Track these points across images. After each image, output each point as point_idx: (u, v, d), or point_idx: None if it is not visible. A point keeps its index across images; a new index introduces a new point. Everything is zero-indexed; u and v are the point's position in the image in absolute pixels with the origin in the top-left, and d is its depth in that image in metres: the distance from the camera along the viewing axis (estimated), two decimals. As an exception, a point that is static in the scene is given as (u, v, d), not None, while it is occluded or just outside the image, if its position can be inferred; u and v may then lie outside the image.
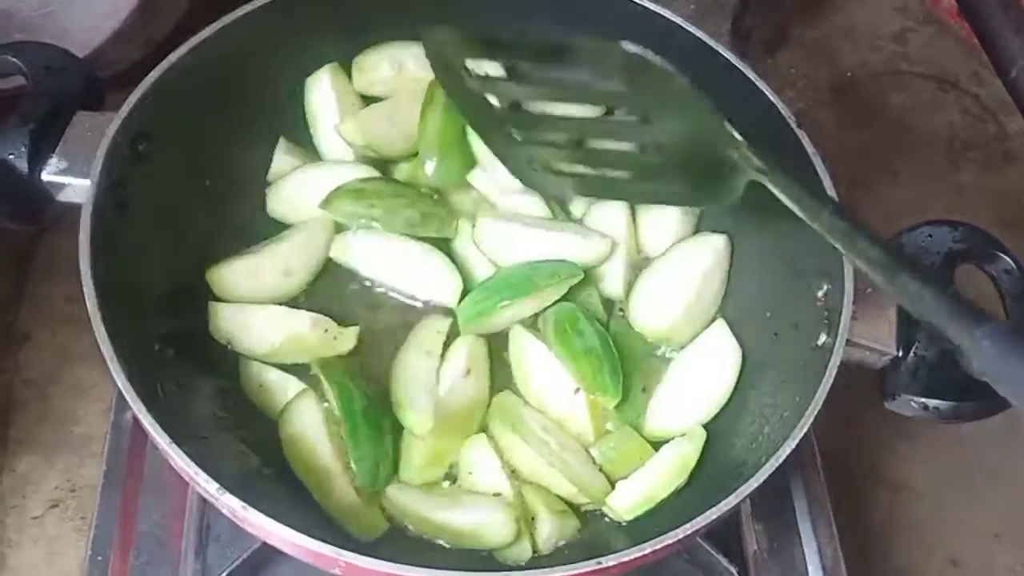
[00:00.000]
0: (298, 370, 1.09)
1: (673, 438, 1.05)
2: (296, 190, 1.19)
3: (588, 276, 1.17)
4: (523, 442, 1.01)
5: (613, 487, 1.02)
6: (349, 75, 1.26)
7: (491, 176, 1.19)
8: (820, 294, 1.01)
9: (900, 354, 0.96)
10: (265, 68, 1.18)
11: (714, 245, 1.17)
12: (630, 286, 1.18)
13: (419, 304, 1.15)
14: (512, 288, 1.08)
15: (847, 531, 1.22)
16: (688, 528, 0.82)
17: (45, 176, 1.02)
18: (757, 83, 1.10)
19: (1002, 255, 1.01)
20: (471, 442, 1.04)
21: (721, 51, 1.14)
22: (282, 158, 1.22)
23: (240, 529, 0.88)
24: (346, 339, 1.11)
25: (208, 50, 1.09)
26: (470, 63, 1.01)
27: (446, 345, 1.10)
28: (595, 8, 1.21)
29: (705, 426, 1.06)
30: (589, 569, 0.80)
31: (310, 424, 1.02)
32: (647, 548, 0.81)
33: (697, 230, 1.23)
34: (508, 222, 1.17)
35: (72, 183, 1.02)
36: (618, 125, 1.09)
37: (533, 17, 1.25)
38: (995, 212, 1.78)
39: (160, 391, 0.97)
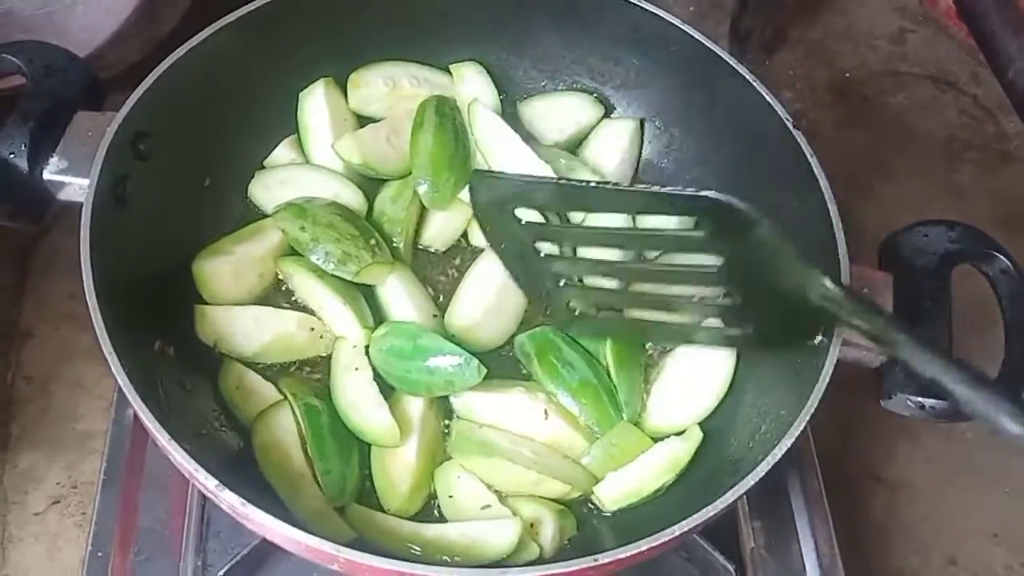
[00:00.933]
0: (278, 377, 1.09)
1: (672, 434, 1.06)
2: (278, 183, 1.20)
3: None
4: (501, 462, 1.00)
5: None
6: (343, 91, 1.27)
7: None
8: (817, 293, 1.01)
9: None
10: (264, 71, 1.19)
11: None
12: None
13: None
14: (409, 384, 1.05)
15: (845, 530, 1.22)
16: (683, 526, 0.83)
17: (46, 175, 1.03)
18: (755, 84, 1.11)
19: (998, 255, 1.01)
20: (443, 469, 1.04)
21: (719, 52, 1.14)
22: (283, 150, 1.24)
23: (240, 525, 0.89)
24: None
25: (207, 52, 1.10)
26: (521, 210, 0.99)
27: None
28: (594, 9, 1.22)
29: (702, 424, 1.06)
30: (585, 566, 0.80)
31: (286, 431, 1.03)
32: (643, 545, 0.81)
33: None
34: (503, 123, 1.19)
35: (73, 182, 1.02)
36: (687, 272, 1.03)
37: (533, 17, 1.27)
38: (993, 212, 1.78)
39: (160, 388, 0.98)
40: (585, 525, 1.03)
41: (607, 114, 1.31)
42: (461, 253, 1.24)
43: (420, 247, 1.23)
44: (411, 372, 1.04)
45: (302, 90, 1.24)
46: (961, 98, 1.97)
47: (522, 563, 0.95)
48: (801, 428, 0.88)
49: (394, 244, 1.18)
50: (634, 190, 0.94)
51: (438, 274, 1.22)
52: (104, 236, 0.96)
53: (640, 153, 1.30)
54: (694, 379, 1.09)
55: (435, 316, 1.14)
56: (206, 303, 1.11)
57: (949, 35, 2.03)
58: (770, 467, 0.86)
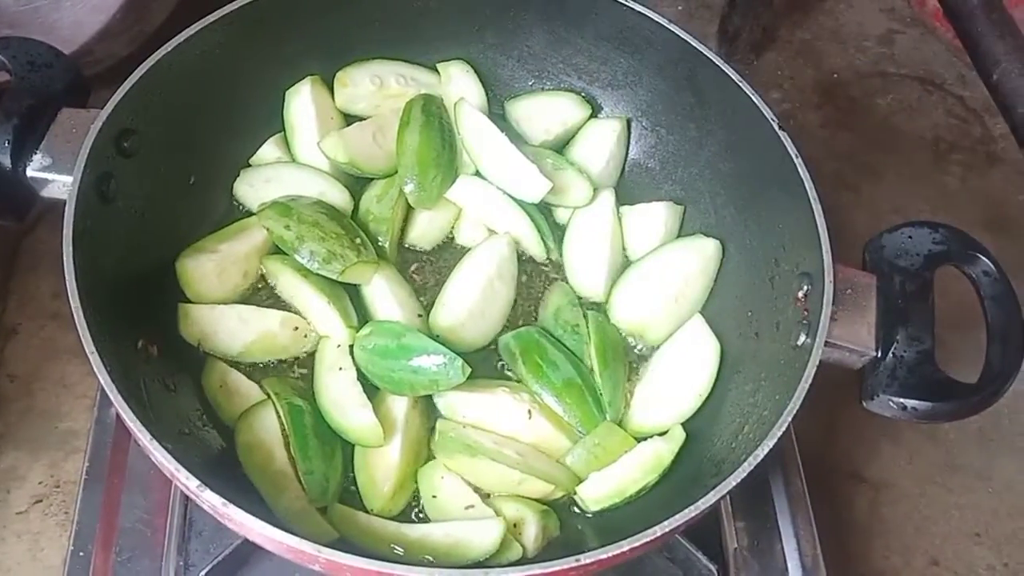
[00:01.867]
0: (262, 377, 1.09)
1: (655, 434, 1.06)
2: (263, 181, 1.20)
3: (567, 276, 1.20)
4: (484, 462, 1.00)
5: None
6: (330, 89, 1.27)
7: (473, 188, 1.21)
8: (800, 295, 1.01)
9: (879, 355, 0.97)
10: (250, 69, 1.18)
11: (702, 248, 1.18)
12: (612, 286, 1.19)
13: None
14: (393, 384, 1.05)
15: (829, 530, 1.23)
16: (665, 526, 0.82)
17: (29, 172, 1.02)
18: (741, 84, 1.11)
19: (981, 257, 1.01)
20: (427, 469, 1.04)
21: (705, 52, 1.14)
22: (269, 148, 1.24)
23: (223, 525, 0.88)
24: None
25: (193, 49, 1.09)
26: None
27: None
28: (582, 8, 1.22)
29: (685, 424, 1.06)
30: (568, 566, 0.80)
31: (270, 431, 1.02)
32: (625, 546, 0.81)
33: (682, 231, 1.24)
34: (490, 123, 1.19)
35: (56, 179, 1.02)
36: None
37: (521, 16, 1.27)
38: (980, 213, 1.79)
39: (143, 387, 0.98)
40: (568, 526, 1.03)
41: (594, 114, 1.31)
42: (447, 252, 1.24)
43: (406, 246, 1.23)
44: (395, 371, 1.04)
45: (288, 88, 1.24)
46: (948, 99, 1.98)
47: (505, 563, 0.95)
48: (783, 429, 0.88)
49: (380, 243, 1.18)
50: None
51: (424, 273, 1.21)
52: (87, 234, 0.95)
53: (627, 153, 1.30)
54: (677, 379, 1.10)
55: (420, 316, 1.14)
56: (190, 302, 1.10)
57: (937, 37, 2.04)
58: (752, 467, 0.86)
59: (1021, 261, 1.65)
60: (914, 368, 0.96)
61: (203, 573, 1.05)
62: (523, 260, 1.22)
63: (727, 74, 1.12)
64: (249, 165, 1.23)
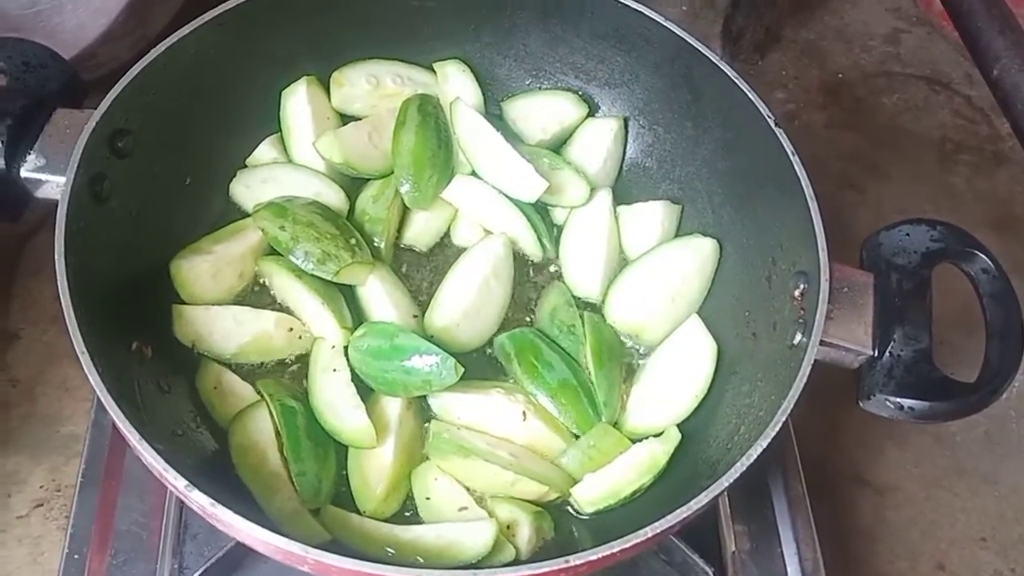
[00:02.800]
0: (256, 378, 1.09)
1: (651, 435, 1.05)
2: (259, 181, 1.20)
3: (563, 276, 1.20)
4: (478, 463, 0.99)
5: None
6: (326, 90, 1.27)
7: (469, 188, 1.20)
8: (797, 293, 1.00)
9: (876, 354, 0.95)
10: (245, 70, 1.18)
11: (699, 248, 1.17)
12: (608, 286, 1.18)
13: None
14: (386, 384, 1.05)
15: (833, 534, 1.22)
16: (656, 527, 0.82)
17: (23, 173, 1.02)
18: (737, 81, 1.10)
19: (980, 254, 1.00)
20: (420, 470, 1.03)
21: (702, 49, 1.13)
22: (265, 148, 1.23)
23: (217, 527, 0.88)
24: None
25: (188, 49, 1.09)
26: None
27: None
28: (578, 6, 1.22)
29: (681, 425, 1.05)
30: (557, 567, 0.79)
31: (263, 432, 1.02)
32: (616, 547, 0.80)
33: (679, 230, 1.23)
34: (486, 122, 1.19)
35: (50, 179, 1.02)
36: None
37: (517, 15, 1.26)
38: (986, 213, 1.77)
39: (137, 389, 0.97)
40: (563, 527, 1.02)
41: (591, 113, 1.30)
42: (443, 253, 1.23)
43: (402, 247, 1.23)
44: (388, 372, 1.03)
45: (284, 88, 1.24)
46: (955, 99, 1.96)
47: (497, 565, 0.94)
48: (777, 428, 0.87)
49: (375, 244, 1.17)
50: None
51: (420, 274, 1.21)
52: (81, 234, 0.95)
53: (624, 152, 1.29)
54: (673, 380, 1.09)
55: (415, 316, 1.13)
56: (184, 303, 1.10)
57: (943, 36, 2.03)
58: (745, 468, 0.85)
59: (1027, 261, 1.65)
60: (911, 367, 0.95)
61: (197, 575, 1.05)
62: (519, 260, 1.21)
63: (724, 71, 1.12)
64: (245, 166, 1.23)
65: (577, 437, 1.05)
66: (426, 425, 1.07)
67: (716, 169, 1.19)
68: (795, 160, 1.03)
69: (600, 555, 0.80)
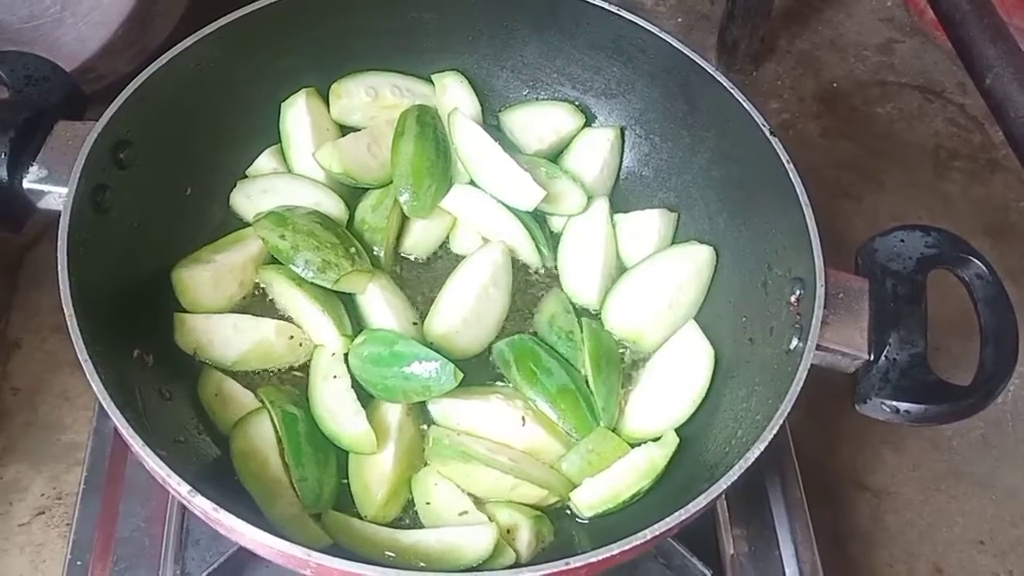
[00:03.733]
0: (257, 385, 1.09)
1: (649, 440, 1.06)
2: (259, 192, 1.21)
3: (562, 283, 1.21)
4: (478, 468, 1.00)
5: None
6: (325, 101, 1.28)
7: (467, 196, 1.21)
8: (793, 299, 1.01)
9: (872, 358, 0.96)
10: (246, 82, 1.19)
11: (696, 255, 1.18)
12: (606, 294, 1.19)
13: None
14: (386, 391, 1.05)
15: (830, 537, 1.22)
16: (655, 530, 0.82)
17: (26, 184, 1.03)
18: (732, 92, 1.11)
19: (974, 260, 1.01)
20: (420, 475, 1.04)
21: (697, 60, 1.14)
22: (265, 159, 1.24)
23: (219, 533, 0.88)
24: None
25: (188, 62, 1.10)
26: None
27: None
28: (574, 18, 1.23)
29: (679, 430, 1.06)
30: (557, 570, 0.79)
31: (264, 438, 1.03)
32: (615, 549, 0.81)
33: (676, 237, 1.24)
34: (484, 132, 1.19)
35: (53, 191, 1.03)
36: None
37: (514, 27, 1.27)
38: (980, 221, 1.78)
39: (138, 396, 0.98)
40: (563, 531, 1.03)
41: (588, 123, 1.31)
42: (442, 261, 1.24)
43: (401, 255, 1.24)
44: (388, 378, 1.04)
45: (284, 100, 1.25)
46: (949, 108, 1.98)
47: (498, 568, 0.95)
48: (774, 432, 0.88)
49: (375, 252, 1.18)
50: None
51: (419, 282, 1.22)
52: (83, 244, 0.96)
53: (621, 161, 1.30)
54: (671, 385, 1.10)
55: (415, 324, 1.14)
56: (185, 311, 1.11)
57: (937, 45, 2.04)
58: (743, 471, 0.86)
59: (1022, 267, 1.66)
60: (907, 371, 0.95)
61: (199, 581, 1.05)
62: (518, 267, 1.22)
63: (719, 82, 1.13)
64: (245, 176, 1.24)
65: (576, 442, 1.06)
66: (425, 429, 1.08)
67: (712, 178, 1.20)
68: (790, 168, 1.04)
69: (599, 558, 0.80)
